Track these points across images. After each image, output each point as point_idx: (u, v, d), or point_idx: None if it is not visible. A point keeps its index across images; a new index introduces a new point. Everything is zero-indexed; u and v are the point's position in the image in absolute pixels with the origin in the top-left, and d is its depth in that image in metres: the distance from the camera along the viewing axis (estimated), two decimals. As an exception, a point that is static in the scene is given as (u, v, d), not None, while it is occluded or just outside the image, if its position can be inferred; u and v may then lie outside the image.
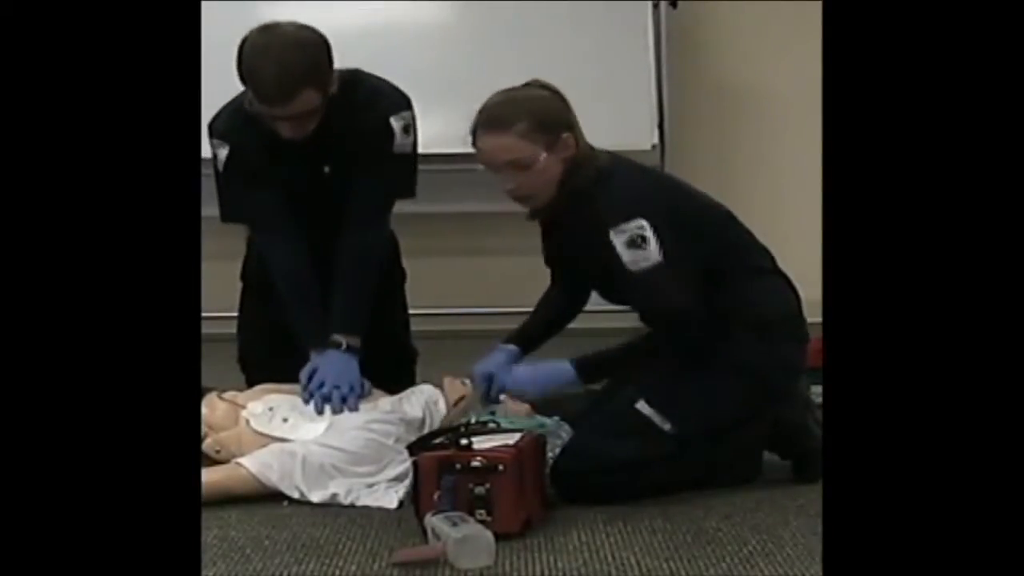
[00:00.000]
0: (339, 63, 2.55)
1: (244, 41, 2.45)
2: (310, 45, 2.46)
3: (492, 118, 2.24)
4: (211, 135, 2.62)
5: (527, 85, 2.32)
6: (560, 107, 2.28)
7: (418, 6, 4.39)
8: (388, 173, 2.67)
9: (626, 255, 2.16)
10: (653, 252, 2.15)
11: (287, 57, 2.40)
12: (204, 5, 1.52)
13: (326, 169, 2.66)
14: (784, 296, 2.37)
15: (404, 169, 2.70)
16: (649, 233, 2.14)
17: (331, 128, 2.54)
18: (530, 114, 2.22)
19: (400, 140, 2.63)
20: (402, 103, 2.66)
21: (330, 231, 2.65)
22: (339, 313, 2.62)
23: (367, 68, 2.69)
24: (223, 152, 2.62)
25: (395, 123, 2.62)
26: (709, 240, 2.29)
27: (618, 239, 2.16)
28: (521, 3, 4.34)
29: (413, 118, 2.67)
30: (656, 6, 4.49)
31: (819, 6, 1.42)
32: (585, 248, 2.28)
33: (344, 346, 2.56)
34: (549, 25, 4.37)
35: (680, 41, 4.62)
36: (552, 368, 2.32)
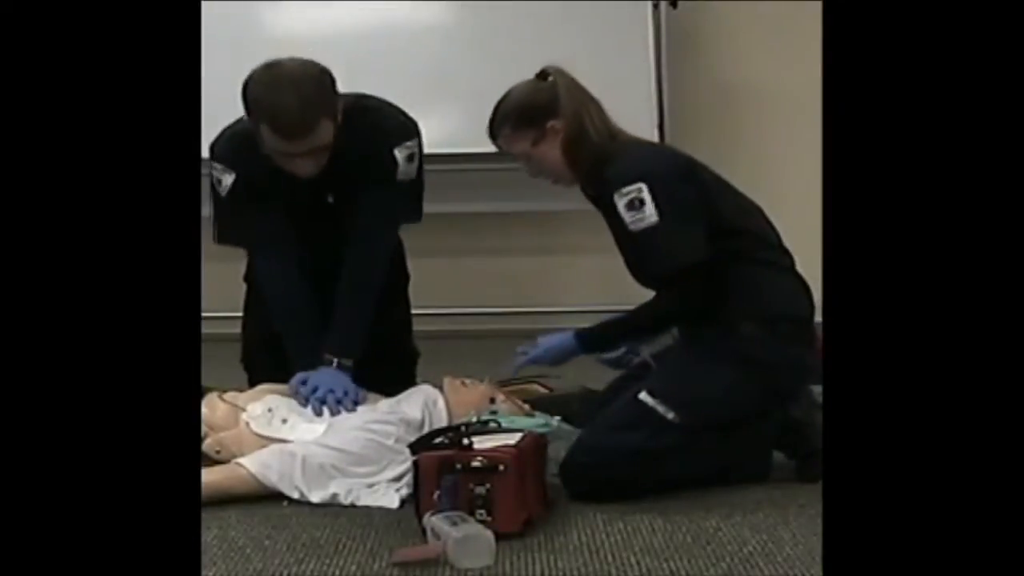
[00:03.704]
0: (338, 64, 2.54)
1: (249, 81, 2.43)
2: (319, 77, 2.45)
3: (489, 124, 2.45)
4: (213, 159, 2.60)
5: (538, 74, 2.46)
6: (543, 97, 2.40)
7: (418, 6, 4.39)
8: (391, 202, 2.67)
9: (626, 216, 2.29)
10: (650, 214, 2.26)
11: (304, 89, 2.39)
12: (204, 5, 1.52)
13: (329, 199, 2.66)
14: (796, 298, 2.38)
15: (407, 197, 2.70)
16: (646, 196, 2.26)
17: (336, 157, 2.52)
18: (509, 116, 2.42)
19: (404, 169, 2.63)
20: (407, 131, 2.65)
21: (332, 258, 2.64)
22: (336, 337, 2.61)
23: (367, 68, 2.69)
24: (228, 178, 2.60)
25: (399, 154, 2.62)
26: (725, 215, 2.37)
27: (620, 202, 2.29)
28: (521, 3, 4.34)
29: (419, 145, 2.66)
30: (656, 6, 4.49)
31: (819, 6, 1.42)
32: (607, 220, 2.39)
33: (335, 364, 2.56)
34: (549, 25, 4.37)
35: (680, 41, 4.62)
36: (559, 339, 2.45)
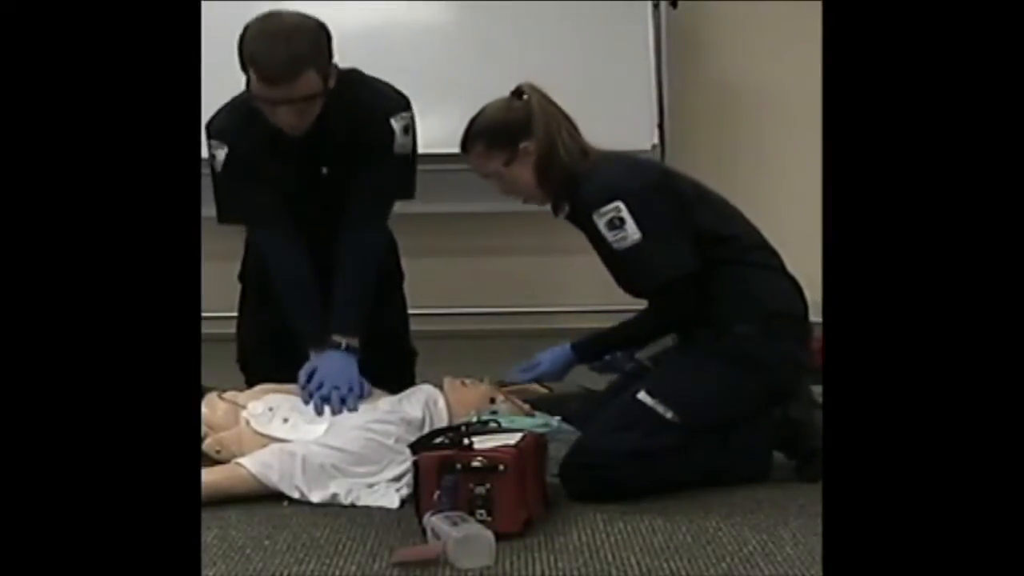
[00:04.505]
0: (339, 63, 2.54)
1: (246, 29, 2.44)
2: (313, 29, 2.46)
3: (461, 141, 2.47)
4: (209, 135, 2.61)
5: (514, 92, 2.46)
6: (516, 117, 2.41)
7: (418, 6, 4.39)
8: (388, 173, 2.67)
9: (609, 236, 2.31)
10: (630, 231, 2.28)
11: (293, 37, 2.40)
12: (204, 5, 1.52)
13: (324, 170, 2.66)
14: (788, 295, 2.40)
15: (404, 170, 2.70)
16: (625, 214, 2.28)
17: (330, 128, 2.53)
18: (482, 135, 2.43)
19: (400, 140, 2.63)
20: (402, 103, 2.65)
21: (328, 232, 2.64)
22: (339, 313, 2.62)
23: (367, 68, 2.69)
24: (221, 152, 2.61)
25: (395, 123, 2.62)
26: (706, 221, 2.38)
27: (599, 222, 2.31)
28: (521, 3, 4.34)
29: (412, 119, 2.66)
30: (656, 6, 4.49)
31: (819, 6, 1.42)
32: (588, 237, 2.40)
33: (343, 346, 2.56)
34: (549, 25, 4.36)
35: (680, 41, 4.61)
36: (557, 353, 2.52)
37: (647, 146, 4.39)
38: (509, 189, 2.49)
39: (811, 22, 1.98)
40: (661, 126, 4.48)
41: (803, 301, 2.41)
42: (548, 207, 2.53)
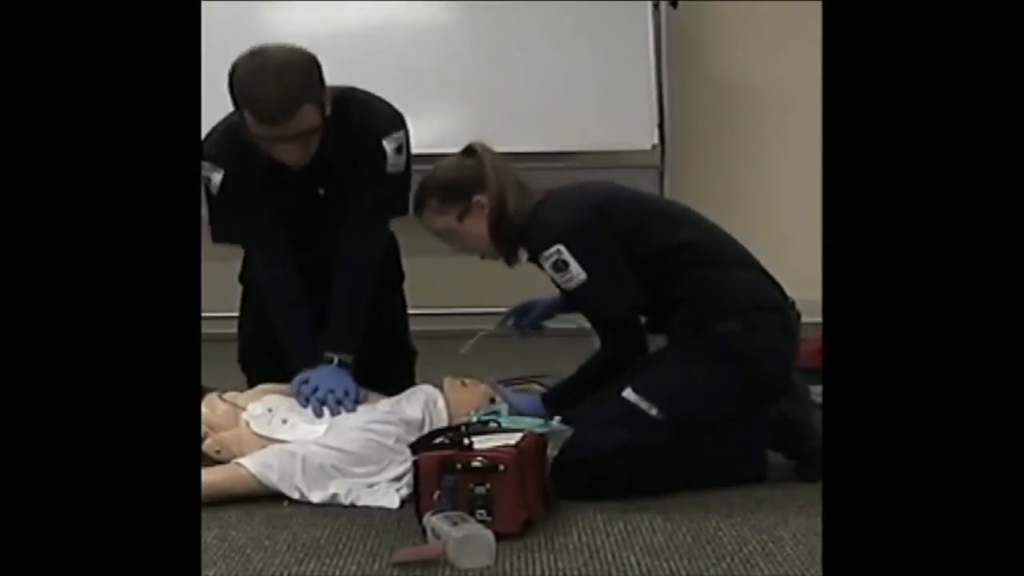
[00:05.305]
0: (338, 63, 2.54)
1: (234, 67, 2.43)
2: (303, 63, 2.45)
3: (414, 202, 2.53)
4: (203, 158, 2.60)
5: (464, 150, 2.50)
6: (469, 174, 2.45)
7: (418, 6, 4.39)
8: (381, 193, 2.67)
9: (556, 277, 2.35)
10: (575, 272, 2.32)
11: (284, 74, 2.38)
12: (204, 5, 1.52)
13: (321, 192, 2.66)
14: (765, 288, 2.43)
15: (397, 189, 2.70)
16: (567, 256, 2.32)
17: (325, 150, 2.53)
18: (435, 191, 2.47)
19: (392, 160, 2.63)
20: (394, 123, 2.65)
21: (326, 252, 2.65)
22: (333, 332, 2.62)
23: (368, 68, 2.69)
24: (217, 176, 2.60)
25: (387, 145, 2.62)
26: (662, 237, 2.41)
27: (546, 264, 2.35)
28: (521, 3, 4.34)
29: (406, 136, 2.66)
30: (656, 6, 4.49)
31: (819, 6, 1.42)
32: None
33: (336, 361, 2.57)
34: (549, 25, 4.37)
35: (680, 41, 4.62)
36: (528, 401, 2.50)
37: (647, 146, 4.40)
38: (463, 245, 2.53)
39: (811, 22, 1.98)
40: (661, 126, 4.49)
41: (782, 293, 2.43)
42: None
